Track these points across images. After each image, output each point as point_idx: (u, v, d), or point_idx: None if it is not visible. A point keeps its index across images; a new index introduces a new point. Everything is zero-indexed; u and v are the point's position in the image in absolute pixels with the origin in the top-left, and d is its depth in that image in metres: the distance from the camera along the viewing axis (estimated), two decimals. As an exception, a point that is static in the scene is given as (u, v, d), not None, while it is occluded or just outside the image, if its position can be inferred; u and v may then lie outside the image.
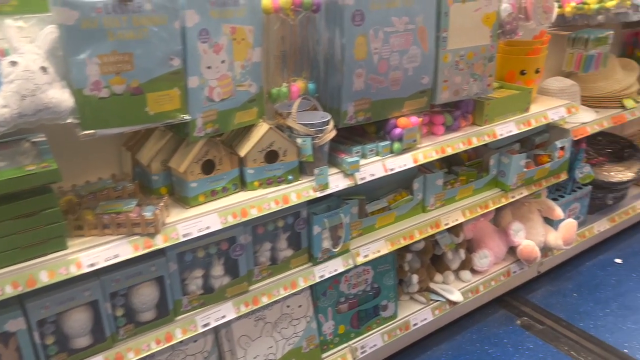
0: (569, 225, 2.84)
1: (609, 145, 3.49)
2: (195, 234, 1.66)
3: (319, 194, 1.90)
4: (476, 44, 2.14)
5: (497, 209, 2.63)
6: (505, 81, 2.63)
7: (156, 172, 1.75)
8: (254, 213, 1.76)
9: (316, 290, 2.14)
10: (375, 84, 1.96)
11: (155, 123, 1.52)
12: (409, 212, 2.34)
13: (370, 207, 2.23)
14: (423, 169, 2.41)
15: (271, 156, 1.82)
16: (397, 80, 2.01)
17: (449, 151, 2.23)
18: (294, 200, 1.84)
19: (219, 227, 1.70)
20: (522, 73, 2.59)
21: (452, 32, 2.06)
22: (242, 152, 1.78)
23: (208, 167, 1.73)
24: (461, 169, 2.56)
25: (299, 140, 1.85)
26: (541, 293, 2.99)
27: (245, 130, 1.84)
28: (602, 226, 3.24)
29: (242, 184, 1.83)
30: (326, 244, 2.02)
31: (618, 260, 3.24)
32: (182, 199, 1.74)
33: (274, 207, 1.80)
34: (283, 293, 1.96)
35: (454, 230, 2.56)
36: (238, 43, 1.66)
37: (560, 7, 2.62)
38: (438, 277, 2.66)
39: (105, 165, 1.84)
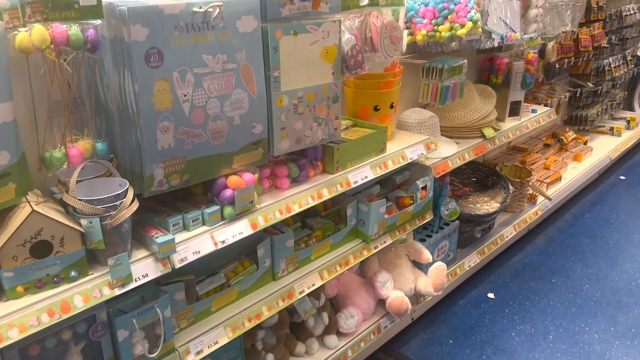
0: (439, 269, 2.61)
1: (473, 174, 3.37)
2: None
3: (118, 291, 1.43)
4: (317, 83, 1.81)
5: (361, 260, 2.32)
6: (358, 118, 2.34)
7: None
8: (14, 335, 1.25)
9: (136, 404, 1.65)
10: (189, 138, 1.54)
11: None
12: (255, 284, 1.93)
13: (203, 286, 1.79)
14: (270, 228, 2.02)
15: (41, 248, 1.32)
16: (219, 132, 1.60)
17: (296, 209, 1.87)
18: (80, 305, 1.35)
19: (-48, 367, 1.16)
20: (376, 109, 2.31)
21: (285, 71, 1.70)
22: (-8, 250, 1.26)
23: None
24: (316, 221, 2.21)
25: (83, 222, 1.37)
26: (416, 343, 2.73)
27: (4, 215, 1.33)
28: (472, 261, 3.08)
29: (-1, 292, 1.31)
30: (139, 349, 1.55)
31: (490, 295, 3.10)
32: None
33: (48, 321, 1.30)
34: None
35: (314, 292, 2.20)
36: (-36, 100, 1.15)
37: (411, 34, 2.40)
38: (300, 347, 2.29)
39: None
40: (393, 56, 2.05)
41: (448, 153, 2.66)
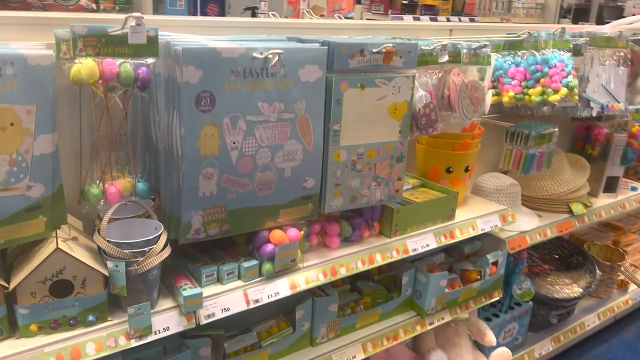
0: (503, 356, 2.33)
1: (555, 250, 3.04)
2: None
3: (135, 343, 1.33)
4: (380, 140, 1.67)
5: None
6: (428, 178, 2.16)
7: None
8: (15, 378, 1.18)
9: None
10: (234, 187, 1.44)
11: None
12: (290, 347, 1.78)
13: (232, 344, 1.67)
14: (313, 289, 1.88)
15: (61, 288, 1.26)
16: (267, 183, 1.50)
17: (343, 272, 1.71)
18: (92, 354, 1.27)
19: (-53, 404, 1.11)
20: (448, 171, 2.12)
21: (347, 125, 1.58)
22: (12, 284, 1.21)
23: (-52, 306, 1.15)
24: (367, 285, 2.04)
25: (110, 265, 1.30)
26: None
27: (31, 248, 1.29)
28: (544, 348, 2.74)
29: (13, 327, 1.26)
30: (152, 405, 1.45)
31: (562, 391, 2.74)
32: None
33: (54, 367, 1.23)
34: None
35: (356, 362, 2.01)
36: (2, 130, 1.13)
37: (497, 94, 2.20)
38: (335, 419, 2.09)
39: None
40: (472, 118, 1.87)
41: (527, 227, 2.39)
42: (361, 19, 6.25)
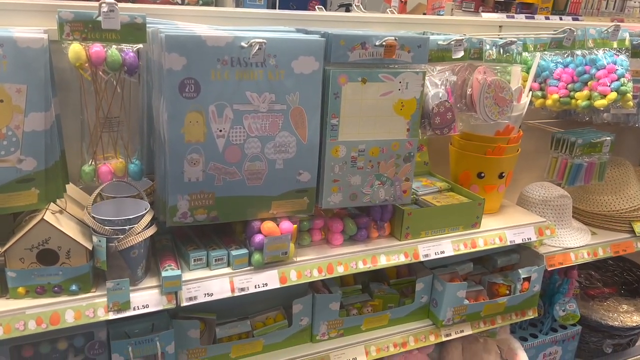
0: (532, 380, 2.15)
1: (621, 273, 2.74)
2: None
3: (113, 315, 1.40)
4: (385, 138, 1.60)
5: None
6: (459, 183, 2.04)
7: None
8: (-4, 334, 1.29)
9: None
10: (221, 175, 1.46)
11: None
12: (287, 340, 1.78)
13: (223, 329, 1.69)
14: (318, 285, 1.85)
15: (48, 256, 1.35)
16: (257, 173, 1.50)
17: (340, 270, 1.67)
18: (70, 321, 1.35)
19: None
20: (480, 176, 1.99)
21: (346, 119, 1.54)
22: (2, 248, 1.33)
23: (-55, 263, 1.29)
24: (380, 288, 1.97)
25: (94, 240, 1.38)
26: None
27: (28, 217, 1.40)
28: (594, 379, 2.49)
29: (4, 289, 1.37)
30: (133, 378, 1.51)
31: None
32: None
33: (34, 329, 1.32)
34: None
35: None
36: (-7, 105, 1.23)
37: (544, 96, 2.02)
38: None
39: None
40: (497, 120, 1.74)
41: (573, 243, 2.18)
42: (452, 15, 6.05)
